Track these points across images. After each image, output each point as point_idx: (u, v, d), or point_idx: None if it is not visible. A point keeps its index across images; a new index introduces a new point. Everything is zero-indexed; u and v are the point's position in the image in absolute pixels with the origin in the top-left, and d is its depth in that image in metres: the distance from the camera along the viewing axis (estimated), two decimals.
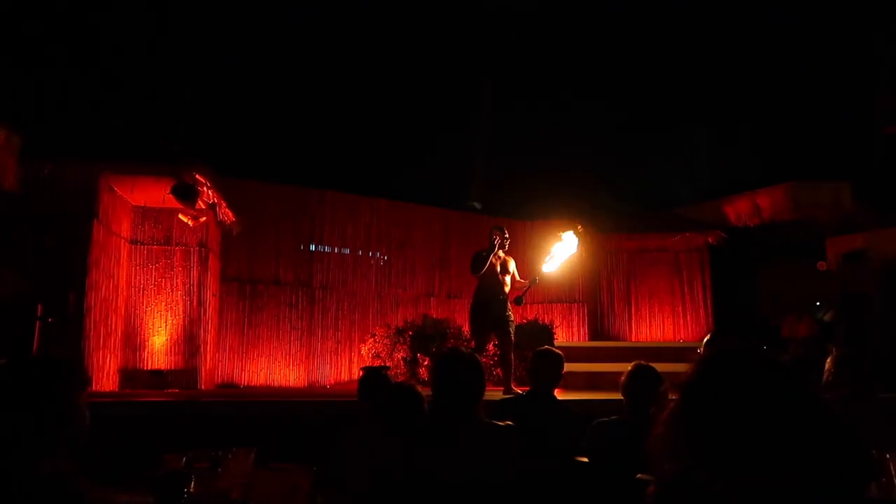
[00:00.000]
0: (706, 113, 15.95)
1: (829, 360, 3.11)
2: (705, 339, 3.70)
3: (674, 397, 1.16)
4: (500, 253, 6.59)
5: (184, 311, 8.08)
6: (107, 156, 6.82)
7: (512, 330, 6.48)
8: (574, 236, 6.67)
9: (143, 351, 7.90)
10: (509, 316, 6.46)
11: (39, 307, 6.01)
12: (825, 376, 3.05)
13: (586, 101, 15.59)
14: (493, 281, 6.48)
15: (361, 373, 3.49)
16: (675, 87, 16.20)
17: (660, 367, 2.97)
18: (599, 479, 2.76)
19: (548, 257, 6.78)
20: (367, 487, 2.26)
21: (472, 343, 6.57)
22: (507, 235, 6.62)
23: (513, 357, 6.54)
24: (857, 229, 9.81)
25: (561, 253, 6.69)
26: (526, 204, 13.11)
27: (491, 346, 7.25)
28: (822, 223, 10.30)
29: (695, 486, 1.07)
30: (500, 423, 2.23)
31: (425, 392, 2.54)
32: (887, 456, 2.23)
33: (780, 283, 11.25)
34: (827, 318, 10.45)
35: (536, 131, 15.80)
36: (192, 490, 1.92)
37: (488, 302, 6.43)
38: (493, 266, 6.51)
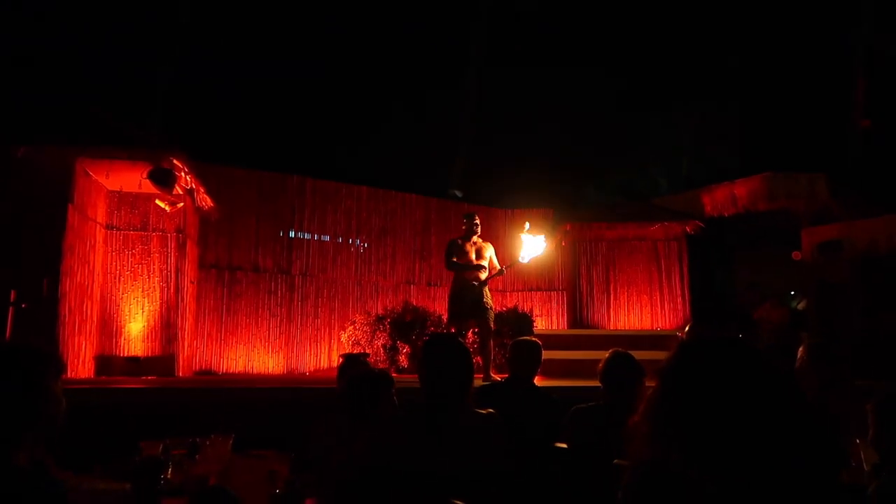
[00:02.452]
0: (686, 104, 16.09)
1: (801, 348, 3.17)
2: (686, 328, 3.73)
3: (652, 384, 1.17)
4: (476, 239, 6.60)
5: (161, 298, 7.99)
6: (82, 139, 6.69)
7: (491, 317, 6.48)
8: (543, 241, 6.58)
9: (120, 338, 7.81)
10: (487, 303, 6.45)
11: (13, 293, 5.91)
12: (798, 364, 3.11)
13: (568, 93, 15.63)
14: (468, 267, 6.50)
15: (341, 360, 3.49)
16: (656, 79, 16.29)
17: (637, 354, 3.01)
18: (577, 464, 2.79)
19: (521, 251, 6.72)
20: (345, 474, 2.25)
21: (452, 329, 6.57)
22: (476, 221, 6.64)
23: (492, 344, 6.56)
24: (833, 220, 9.94)
25: (528, 251, 6.61)
26: (506, 192, 13.16)
27: (470, 334, 7.26)
28: (798, 213, 10.43)
29: (669, 472, 1.08)
30: (482, 411, 2.23)
31: (402, 378, 2.54)
32: (857, 441, 2.29)
33: (755, 272, 11.39)
34: (800, 306, 10.62)
35: (518, 122, 15.82)
36: (169, 476, 1.92)
37: (464, 288, 6.45)
38: (468, 252, 6.51)
